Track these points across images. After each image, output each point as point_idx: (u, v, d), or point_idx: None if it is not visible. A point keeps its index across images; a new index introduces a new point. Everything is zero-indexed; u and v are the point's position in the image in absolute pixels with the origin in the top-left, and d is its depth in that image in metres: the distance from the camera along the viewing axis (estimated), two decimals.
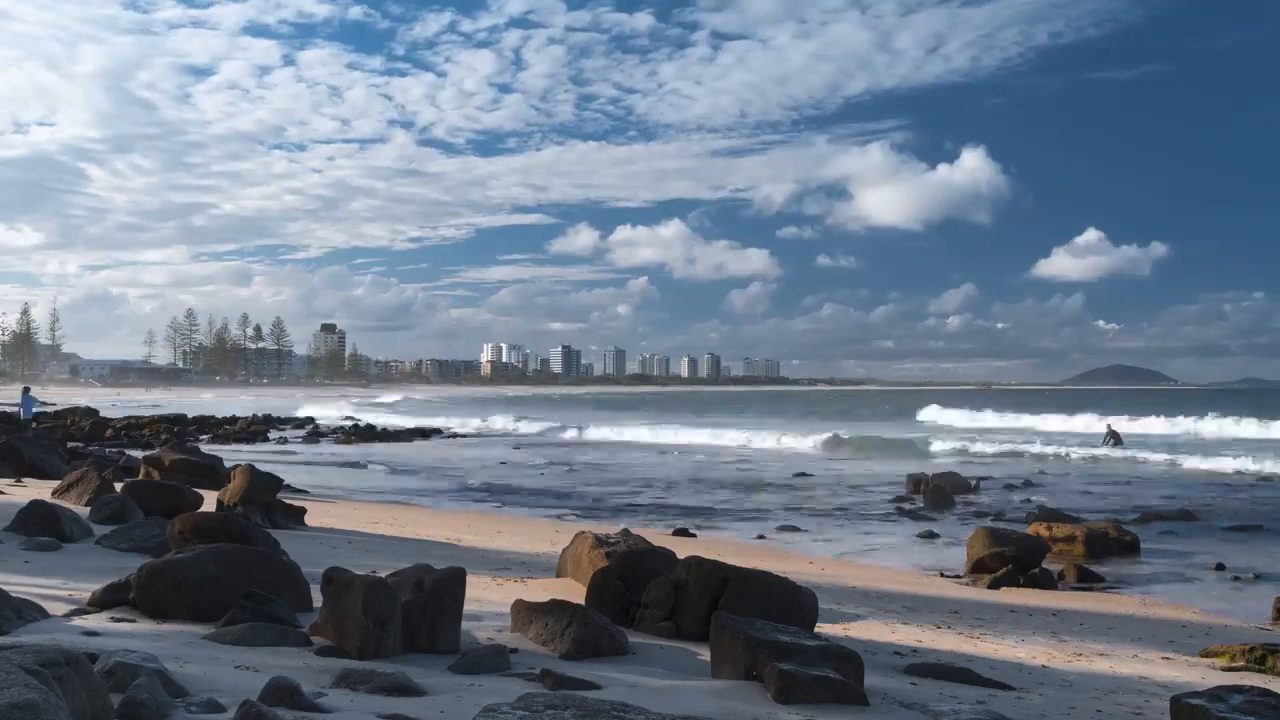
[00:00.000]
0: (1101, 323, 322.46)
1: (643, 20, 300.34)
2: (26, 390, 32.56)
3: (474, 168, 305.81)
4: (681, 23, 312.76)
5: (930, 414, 65.64)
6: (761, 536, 15.73)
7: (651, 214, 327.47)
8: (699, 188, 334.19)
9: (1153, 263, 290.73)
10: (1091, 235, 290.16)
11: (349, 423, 52.54)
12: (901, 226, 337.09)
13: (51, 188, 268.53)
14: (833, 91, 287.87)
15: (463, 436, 45.28)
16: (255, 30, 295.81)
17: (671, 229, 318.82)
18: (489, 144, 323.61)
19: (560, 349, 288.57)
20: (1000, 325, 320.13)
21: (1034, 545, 12.86)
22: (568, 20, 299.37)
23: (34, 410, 32.76)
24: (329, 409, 68.09)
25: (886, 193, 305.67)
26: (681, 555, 7.48)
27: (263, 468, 14.06)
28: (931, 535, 16.12)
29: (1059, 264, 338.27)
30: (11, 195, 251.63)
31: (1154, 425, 48.77)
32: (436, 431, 46.69)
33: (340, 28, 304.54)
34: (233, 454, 27.26)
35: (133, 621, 5.84)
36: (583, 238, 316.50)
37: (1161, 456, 31.65)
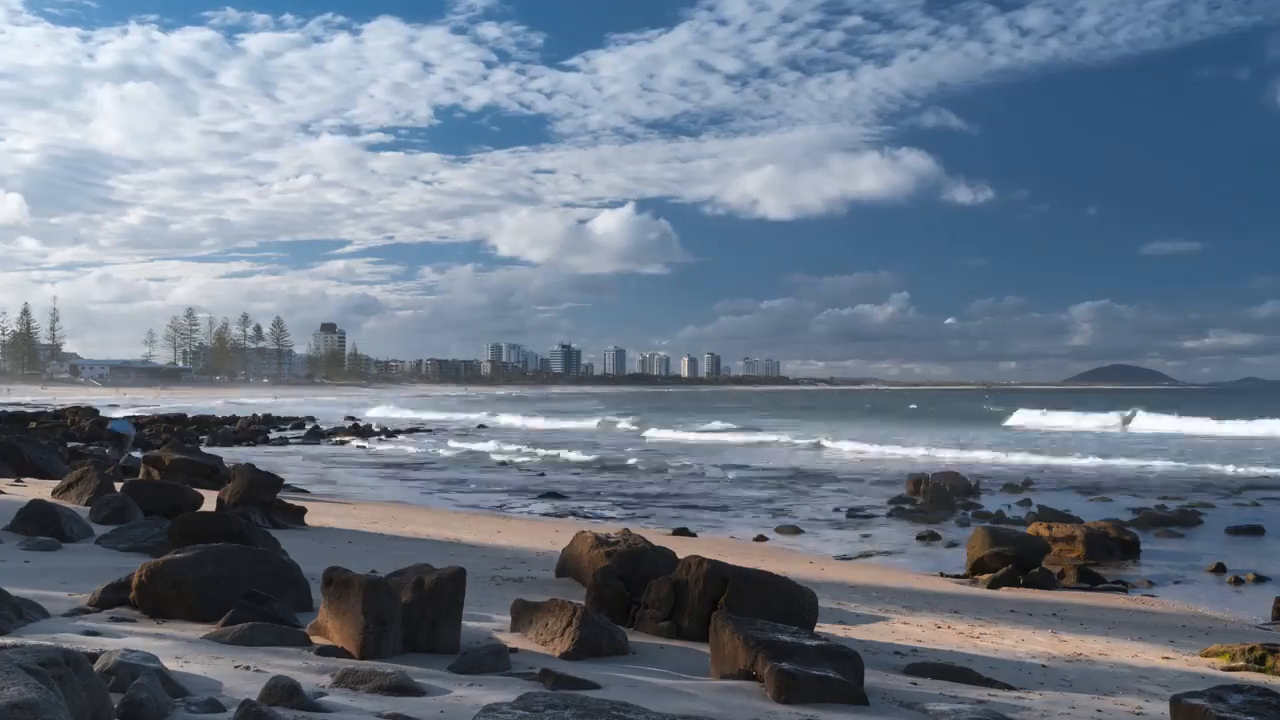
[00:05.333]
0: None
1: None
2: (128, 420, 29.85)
3: (522, 159, 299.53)
4: None
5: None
6: (762, 537, 15.73)
7: (691, 212, 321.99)
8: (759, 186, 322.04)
9: None
10: None
11: (349, 422, 52.61)
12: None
13: (70, 181, 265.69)
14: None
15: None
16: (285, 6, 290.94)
17: (709, 227, 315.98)
18: (541, 132, 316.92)
19: (560, 349, 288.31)
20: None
21: (1034, 545, 12.86)
22: None
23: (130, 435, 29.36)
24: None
25: None
26: (681, 555, 7.48)
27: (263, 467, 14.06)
28: (932, 535, 16.12)
29: None
30: (27, 188, 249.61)
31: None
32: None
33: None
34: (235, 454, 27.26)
35: (133, 621, 5.83)
36: (614, 235, 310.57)
37: (1162, 460, 31.69)
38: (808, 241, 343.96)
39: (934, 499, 19.91)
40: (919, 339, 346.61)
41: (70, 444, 29.53)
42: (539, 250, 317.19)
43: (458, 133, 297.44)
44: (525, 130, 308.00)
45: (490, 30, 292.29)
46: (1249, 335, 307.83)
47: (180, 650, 5.05)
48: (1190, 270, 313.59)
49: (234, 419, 51.05)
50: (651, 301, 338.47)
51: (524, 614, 6.44)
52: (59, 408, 52.06)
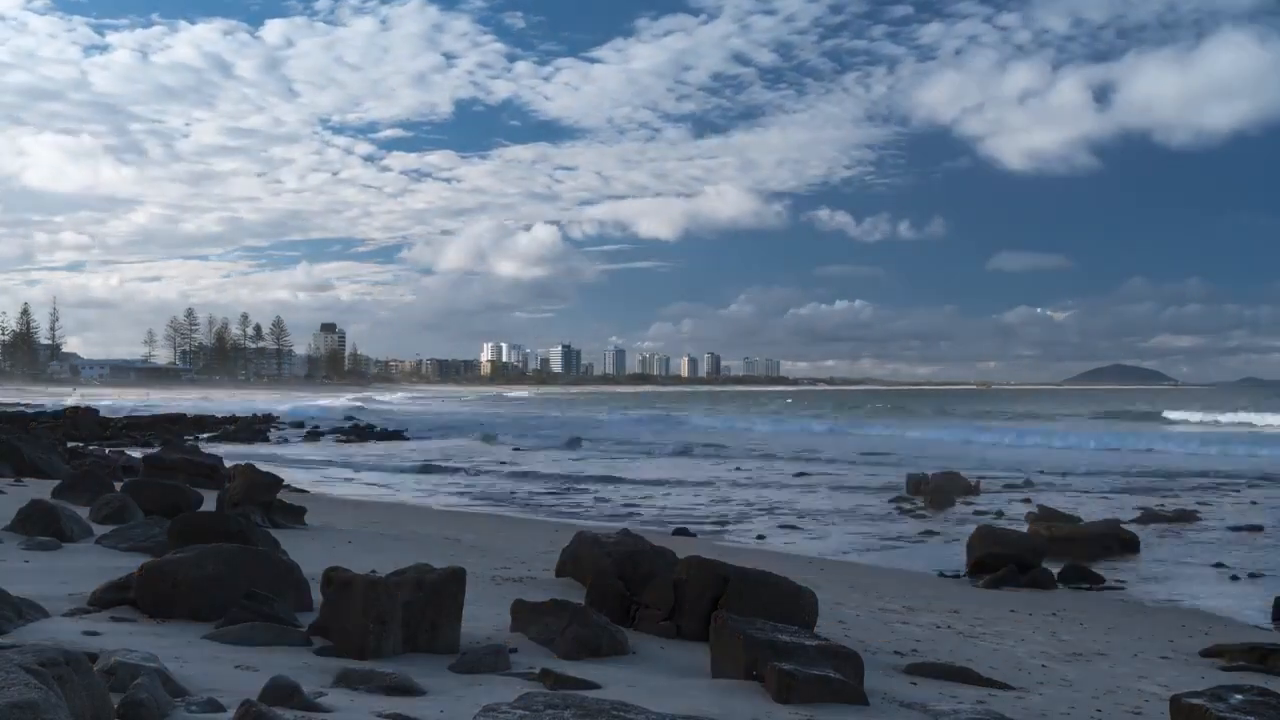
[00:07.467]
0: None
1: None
2: None
3: (543, 156, 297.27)
4: None
5: None
6: (761, 537, 15.73)
7: (706, 215, 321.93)
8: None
9: None
10: None
11: (349, 423, 52.63)
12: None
13: (75, 178, 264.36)
14: None
15: None
16: None
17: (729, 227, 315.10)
18: (561, 128, 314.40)
19: (560, 348, 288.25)
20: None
21: (1034, 545, 12.86)
22: None
23: None
24: None
25: None
26: (681, 555, 7.48)
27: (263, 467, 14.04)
28: (932, 535, 16.12)
29: None
30: (30, 185, 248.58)
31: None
32: None
33: None
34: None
35: (133, 621, 5.83)
36: (626, 234, 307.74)
37: (1163, 456, 31.70)
38: (689, 261, 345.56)
39: (934, 499, 19.91)
40: (890, 340, 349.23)
41: (70, 444, 29.55)
42: (520, 251, 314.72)
43: (477, 128, 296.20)
44: (546, 126, 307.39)
45: (514, 20, 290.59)
46: (1189, 337, 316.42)
47: (180, 650, 5.05)
48: (1058, 279, 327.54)
49: (234, 419, 51.09)
50: (603, 301, 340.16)
51: (524, 614, 6.43)
52: (58, 408, 52.05)
